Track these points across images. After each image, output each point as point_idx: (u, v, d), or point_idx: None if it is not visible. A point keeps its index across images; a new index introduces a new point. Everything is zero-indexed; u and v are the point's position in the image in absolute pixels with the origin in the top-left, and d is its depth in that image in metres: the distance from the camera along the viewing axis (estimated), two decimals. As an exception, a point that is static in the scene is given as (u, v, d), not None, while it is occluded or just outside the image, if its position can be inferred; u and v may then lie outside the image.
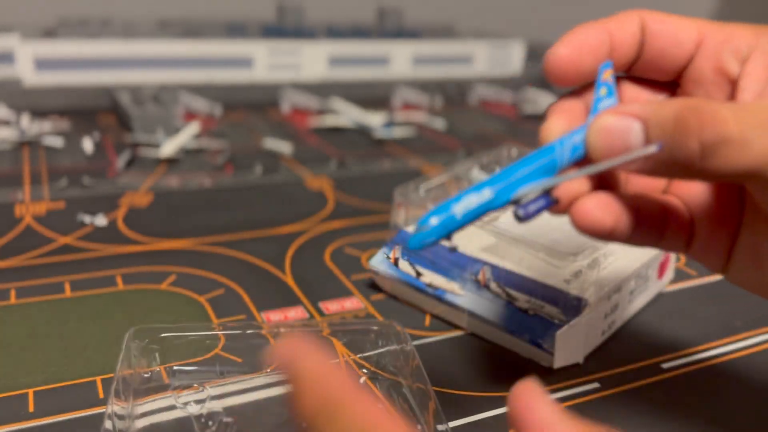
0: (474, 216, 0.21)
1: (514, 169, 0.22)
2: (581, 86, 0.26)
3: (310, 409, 0.17)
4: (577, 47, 0.24)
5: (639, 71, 0.26)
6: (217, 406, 0.30)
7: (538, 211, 0.22)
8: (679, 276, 0.44)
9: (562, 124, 0.24)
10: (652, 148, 0.20)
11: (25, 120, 0.68)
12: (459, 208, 0.21)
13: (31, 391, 0.31)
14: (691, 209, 0.25)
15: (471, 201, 0.21)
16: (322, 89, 0.90)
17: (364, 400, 0.17)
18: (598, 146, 0.22)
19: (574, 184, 0.22)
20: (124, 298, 0.39)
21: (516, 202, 0.22)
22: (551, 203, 0.22)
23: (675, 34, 0.25)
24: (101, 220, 0.49)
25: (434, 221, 0.21)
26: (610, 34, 0.25)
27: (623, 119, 0.21)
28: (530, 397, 0.18)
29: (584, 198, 0.22)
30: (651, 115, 0.21)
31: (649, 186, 0.26)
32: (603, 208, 0.22)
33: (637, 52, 0.25)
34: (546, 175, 0.22)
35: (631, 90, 0.27)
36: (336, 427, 0.17)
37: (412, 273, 0.38)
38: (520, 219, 0.22)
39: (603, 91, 0.24)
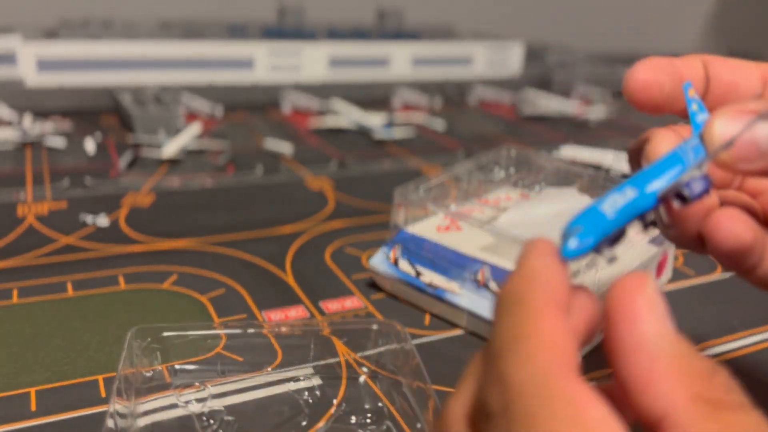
0: (625, 215, 0.20)
1: (648, 173, 0.20)
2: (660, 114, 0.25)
3: (501, 295, 0.17)
4: (653, 70, 0.24)
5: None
6: (218, 404, 0.30)
7: (703, 192, 0.20)
8: (677, 275, 0.45)
9: (668, 141, 0.23)
10: None
11: (28, 120, 0.69)
12: (608, 208, 0.20)
13: (33, 390, 0.31)
14: None
15: (617, 201, 0.20)
16: (323, 90, 0.90)
17: (542, 310, 0.16)
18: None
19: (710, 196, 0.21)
20: (125, 297, 0.39)
21: (663, 200, 0.20)
22: (710, 184, 0.20)
23: (740, 70, 0.25)
24: (103, 220, 0.50)
25: (583, 226, 0.19)
26: (677, 67, 0.24)
27: (741, 117, 0.20)
28: (636, 299, 0.16)
29: (717, 212, 0.21)
30: None
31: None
32: (740, 221, 0.21)
33: (704, 88, 0.25)
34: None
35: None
36: (501, 319, 0.16)
37: (412, 273, 0.39)
38: (686, 200, 0.20)
39: (695, 106, 0.24)
